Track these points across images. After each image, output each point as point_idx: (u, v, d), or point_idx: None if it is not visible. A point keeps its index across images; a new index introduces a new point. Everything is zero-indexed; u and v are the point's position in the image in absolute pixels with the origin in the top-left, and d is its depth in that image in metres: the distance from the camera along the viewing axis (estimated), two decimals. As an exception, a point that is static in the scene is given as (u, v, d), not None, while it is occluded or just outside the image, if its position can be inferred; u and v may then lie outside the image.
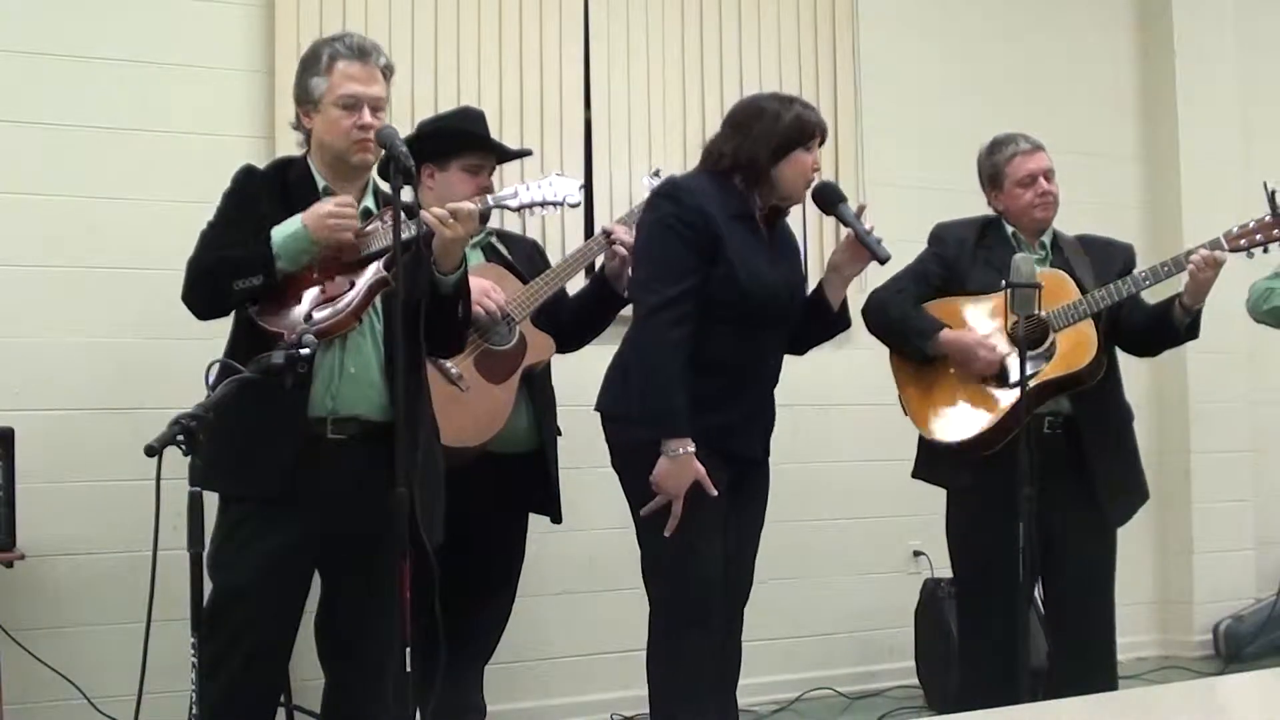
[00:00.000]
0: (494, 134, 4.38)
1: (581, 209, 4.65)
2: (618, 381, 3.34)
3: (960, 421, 3.66)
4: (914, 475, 3.86)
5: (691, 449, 3.14)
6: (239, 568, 2.82)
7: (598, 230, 3.94)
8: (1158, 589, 5.80)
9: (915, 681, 4.90)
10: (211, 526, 2.80)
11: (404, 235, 2.79)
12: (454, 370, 3.54)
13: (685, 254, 3.18)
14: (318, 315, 2.83)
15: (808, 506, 5.01)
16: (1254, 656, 5.54)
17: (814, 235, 5.11)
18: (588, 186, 4.74)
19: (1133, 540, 5.67)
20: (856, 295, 3.64)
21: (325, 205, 2.89)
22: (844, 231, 3.42)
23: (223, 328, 3.00)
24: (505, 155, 3.89)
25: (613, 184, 4.83)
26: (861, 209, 3.39)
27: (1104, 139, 5.83)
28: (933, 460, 3.76)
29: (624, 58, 4.90)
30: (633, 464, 3.22)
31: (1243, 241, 3.63)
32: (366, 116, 2.94)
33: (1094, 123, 5.81)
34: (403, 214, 2.78)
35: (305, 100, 3.01)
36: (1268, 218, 3.63)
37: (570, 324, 3.84)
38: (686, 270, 3.17)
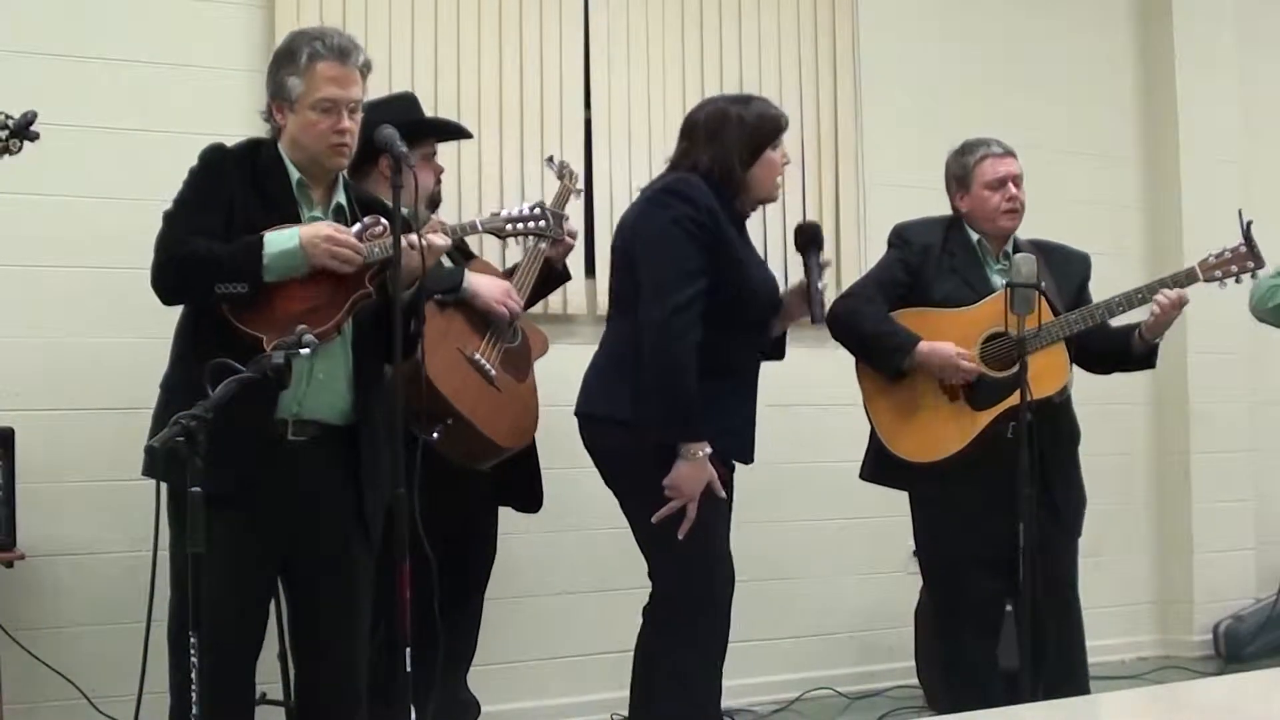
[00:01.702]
0: (496, 134, 4.38)
1: (580, 209, 4.66)
2: (613, 384, 3.26)
3: (933, 441, 3.64)
4: (865, 478, 3.84)
5: (709, 451, 3.13)
6: (205, 570, 2.79)
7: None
8: (1158, 589, 5.78)
9: (915, 681, 4.89)
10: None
11: (383, 254, 2.80)
12: (492, 371, 3.55)
13: (698, 255, 3.16)
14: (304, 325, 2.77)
15: (807, 507, 5.02)
16: (1254, 656, 5.54)
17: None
18: (588, 186, 4.74)
19: (1133, 540, 5.72)
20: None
21: (325, 228, 2.83)
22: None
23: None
24: (447, 133, 3.89)
25: (613, 184, 4.82)
26: (826, 264, 3.39)
27: (1104, 139, 5.83)
28: (889, 463, 3.72)
29: (624, 58, 4.90)
30: (636, 468, 3.18)
31: (1217, 272, 3.67)
32: (344, 121, 2.89)
33: (1094, 123, 5.81)
34: (385, 226, 2.78)
35: (280, 96, 2.94)
36: (1241, 248, 3.66)
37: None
38: (700, 272, 3.16)
